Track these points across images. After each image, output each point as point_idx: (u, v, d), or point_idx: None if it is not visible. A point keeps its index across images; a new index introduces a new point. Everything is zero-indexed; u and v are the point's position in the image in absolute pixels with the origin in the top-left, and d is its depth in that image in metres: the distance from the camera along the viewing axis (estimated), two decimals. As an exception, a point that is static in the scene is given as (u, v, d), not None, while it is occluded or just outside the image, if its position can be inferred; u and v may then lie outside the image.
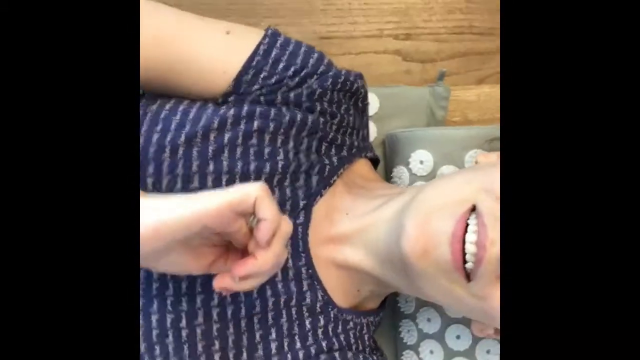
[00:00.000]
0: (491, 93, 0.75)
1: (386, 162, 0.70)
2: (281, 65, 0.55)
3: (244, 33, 0.57)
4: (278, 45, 0.56)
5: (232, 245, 0.46)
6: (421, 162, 0.65)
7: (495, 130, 0.64)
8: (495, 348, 0.63)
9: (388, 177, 0.68)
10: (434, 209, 0.49)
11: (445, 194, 0.50)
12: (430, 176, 0.64)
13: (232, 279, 0.43)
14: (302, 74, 0.55)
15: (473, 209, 0.48)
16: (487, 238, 0.46)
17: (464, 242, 0.47)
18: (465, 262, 0.47)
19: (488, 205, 0.47)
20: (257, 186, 0.42)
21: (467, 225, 0.47)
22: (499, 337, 0.57)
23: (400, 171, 0.66)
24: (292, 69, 0.55)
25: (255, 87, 0.55)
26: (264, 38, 0.56)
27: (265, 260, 0.43)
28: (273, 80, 0.55)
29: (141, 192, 0.46)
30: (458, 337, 0.64)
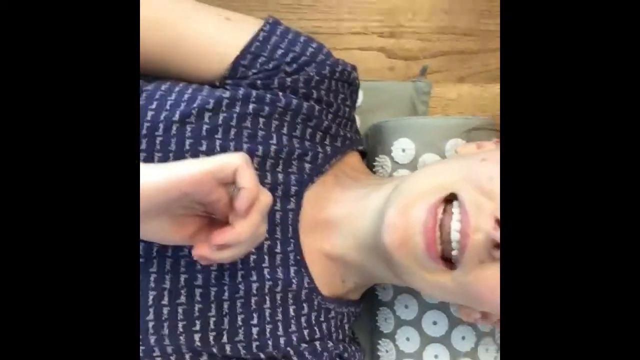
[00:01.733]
0: (471, 92, 0.77)
1: (369, 153, 0.71)
2: (279, 52, 0.56)
3: (244, 20, 0.58)
4: (278, 32, 0.57)
5: (215, 220, 0.47)
6: (403, 150, 0.66)
7: (474, 120, 0.66)
8: (470, 335, 0.64)
9: (371, 167, 0.70)
10: (412, 198, 0.50)
11: (424, 183, 0.51)
12: (412, 164, 0.66)
13: (210, 247, 0.43)
14: (300, 61, 0.56)
15: (453, 198, 0.49)
16: (469, 226, 0.47)
17: (446, 231, 0.47)
18: (451, 249, 0.48)
19: (469, 194, 0.48)
20: (238, 155, 0.43)
21: (453, 213, 0.48)
22: (486, 322, 0.57)
23: (382, 160, 0.67)
24: (290, 55, 0.56)
25: (253, 71, 0.56)
26: (264, 25, 0.57)
27: (243, 229, 0.43)
28: (270, 65, 0.56)
29: None
30: (435, 323, 0.65)
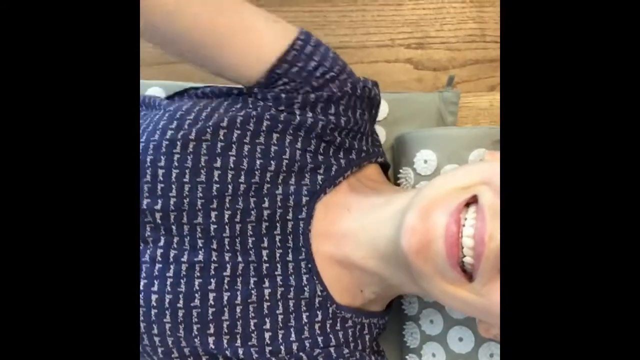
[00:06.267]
0: (503, 100, 0.75)
1: (394, 165, 0.70)
2: (313, 64, 0.56)
3: (281, 24, 0.58)
4: (312, 42, 0.58)
5: None
6: (425, 162, 0.65)
7: (499, 130, 0.64)
8: (498, 353, 0.61)
9: (395, 180, 0.69)
10: (433, 201, 0.49)
11: (446, 185, 0.50)
12: (434, 175, 0.64)
13: None
14: (328, 76, 0.57)
15: (474, 200, 0.47)
16: (485, 232, 0.45)
17: (461, 237, 0.46)
18: (463, 255, 0.46)
19: (489, 198, 0.46)
20: None
21: (466, 219, 0.47)
22: None
23: (406, 172, 0.66)
24: (321, 69, 0.57)
25: (284, 80, 0.56)
26: (300, 34, 0.57)
27: None
28: (301, 77, 0.56)
29: None
30: (460, 339, 0.62)
